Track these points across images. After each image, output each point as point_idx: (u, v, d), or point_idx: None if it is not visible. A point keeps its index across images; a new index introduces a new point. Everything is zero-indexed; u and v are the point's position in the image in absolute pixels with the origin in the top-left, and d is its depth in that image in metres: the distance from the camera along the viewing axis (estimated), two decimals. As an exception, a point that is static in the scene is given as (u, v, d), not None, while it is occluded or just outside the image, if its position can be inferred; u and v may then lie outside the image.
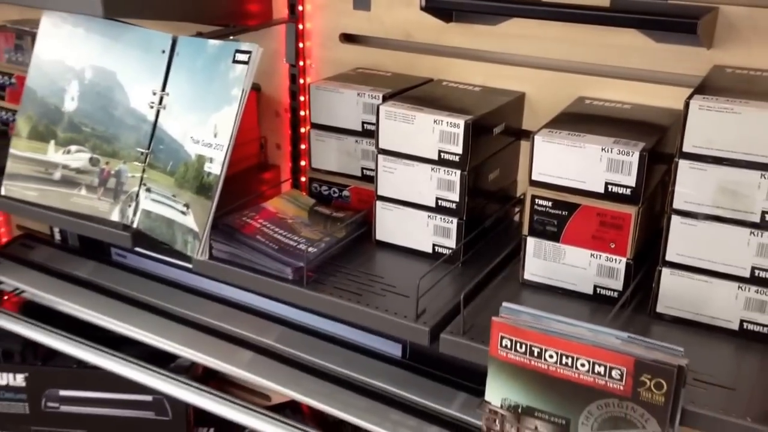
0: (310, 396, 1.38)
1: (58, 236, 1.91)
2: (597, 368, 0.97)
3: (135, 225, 1.30)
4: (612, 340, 0.98)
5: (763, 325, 1.08)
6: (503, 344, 1.02)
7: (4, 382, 1.78)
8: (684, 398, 0.96)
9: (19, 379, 1.78)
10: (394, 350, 1.46)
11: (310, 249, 1.25)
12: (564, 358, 0.99)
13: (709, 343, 1.10)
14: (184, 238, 1.23)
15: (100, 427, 1.79)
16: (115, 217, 1.32)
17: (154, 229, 1.27)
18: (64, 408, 1.79)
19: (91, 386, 1.77)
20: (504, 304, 1.05)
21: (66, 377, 1.77)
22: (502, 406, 1.05)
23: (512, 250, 1.28)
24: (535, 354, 1.00)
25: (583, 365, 0.98)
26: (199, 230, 1.20)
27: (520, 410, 1.04)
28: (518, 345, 1.01)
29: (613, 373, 0.96)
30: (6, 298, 1.86)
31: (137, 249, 1.76)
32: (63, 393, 1.78)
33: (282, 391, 1.40)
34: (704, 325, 1.12)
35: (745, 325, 1.10)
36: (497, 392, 1.05)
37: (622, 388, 0.96)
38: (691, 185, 1.07)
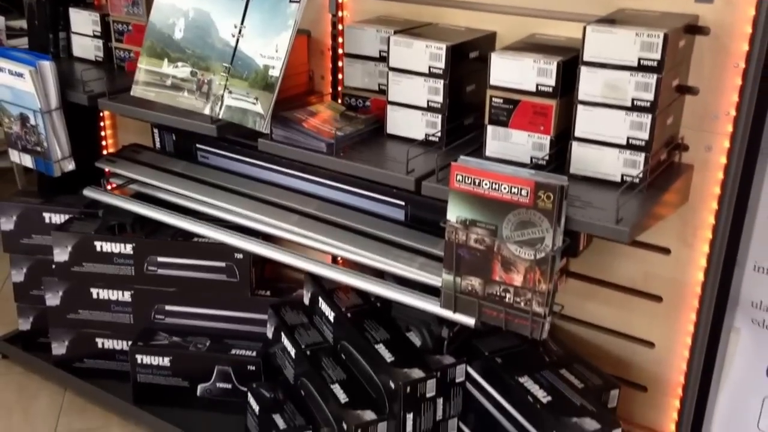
0: (339, 240, 1.97)
1: (158, 144, 2.53)
2: (513, 190, 1.53)
3: (221, 116, 1.90)
4: (524, 173, 1.54)
5: (634, 176, 1.62)
6: (457, 179, 1.59)
7: (117, 250, 2.40)
8: (569, 211, 1.52)
9: (128, 248, 2.39)
10: (399, 215, 2.04)
11: (338, 132, 1.84)
12: (494, 184, 1.55)
13: (600, 190, 1.64)
14: (253, 120, 1.83)
15: (186, 286, 2.40)
16: (206, 111, 1.93)
17: (233, 116, 1.88)
18: (161, 271, 2.40)
19: (181, 254, 2.37)
20: (461, 156, 1.62)
21: (163, 247, 2.37)
22: (456, 221, 1.62)
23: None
24: (477, 183, 1.57)
25: (504, 188, 1.54)
26: (264, 113, 1.80)
27: (467, 223, 1.60)
28: (467, 178, 1.58)
29: (522, 191, 1.52)
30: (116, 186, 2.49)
31: (215, 151, 2.37)
32: (160, 259, 2.38)
33: (320, 238, 1.99)
34: (600, 180, 1.67)
35: (624, 177, 1.64)
36: (453, 212, 1.61)
37: (527, 201, 1.52)
38: (588, 83, 1.62)
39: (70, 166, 2.31)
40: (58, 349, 2.54)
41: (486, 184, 1.56)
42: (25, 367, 2.68)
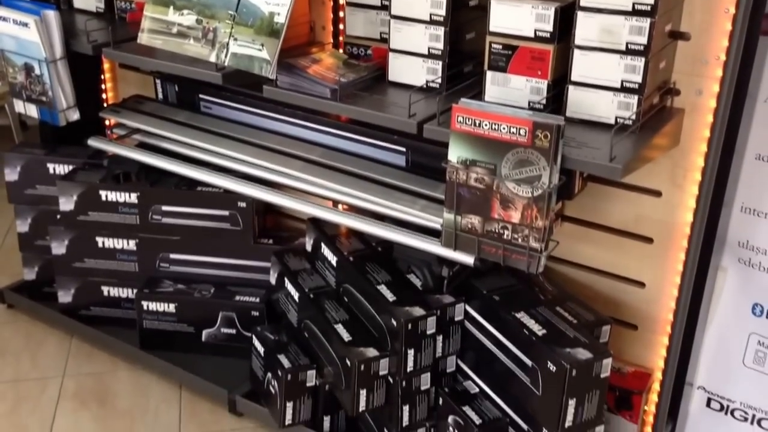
0: (343, 184, 2.04)
1: (160, 96, 2.57)
2: (512, 130, 1.59)
3: (226, 63, 1.95)
4: (522, 113, 1.60)
5: (627, 118, 1.69)
6: (458, 120, 1.65)
7: (122, 199, 2.45)
8: (565, 151, 1.58)
9: (133, 197, 2.44)
10: (400, 161, 2.11)
11: (341, 79, 1.89)
12: (493, 125, 1.61)
13: (595, 131, 1.71)
14: (260, 65, 1.88)
15: (190, 235, 2.46)
16: (212, 59, 1.98)
17: (239, 63, 1.93)
18: (165, 220, 2.45)
19: (185, 203, 2.42)
20: (462, 99, 1.68)
21: (167, 196, 2.42)
22: (457, 162, 1.68)
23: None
24: (477, 124, 1.63)
25: (504, 128, 1.60)
26: (271, 59, 1.85)
27: (467, 163, 1.67)
28: (467, 120, 1.64)
29: (521, 131, 1.58)
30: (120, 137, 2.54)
31: (218, 101, 2.41)
32: (165, 208, 2.44)
33: (322, 183, 2.06)
34: (595, 122, 1.73)
35: (617, 120, 1.71)
36: (455, 153, 1.68)
37: (525, 140, 1.58)
38: (584, 28, 1.68)
39: (75, 115, 2.35)
40: (65, 297, 2.60)
41: (486, 125, 1.62)
42: (32, 316, 2.74)
